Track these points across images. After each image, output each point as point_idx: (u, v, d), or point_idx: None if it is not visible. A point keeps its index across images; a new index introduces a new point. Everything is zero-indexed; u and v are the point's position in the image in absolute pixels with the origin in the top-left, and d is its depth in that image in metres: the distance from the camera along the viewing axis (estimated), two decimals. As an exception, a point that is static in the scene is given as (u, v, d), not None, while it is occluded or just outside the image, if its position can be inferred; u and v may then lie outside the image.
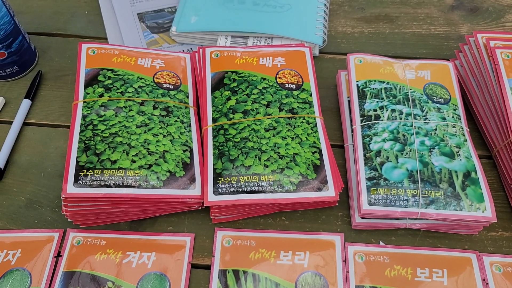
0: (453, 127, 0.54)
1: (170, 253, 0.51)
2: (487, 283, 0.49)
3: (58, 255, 0.51)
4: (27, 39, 0.66)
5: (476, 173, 0.51)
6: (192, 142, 0.55)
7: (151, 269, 0.50)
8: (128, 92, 0.56)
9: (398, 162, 0.51)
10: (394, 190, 0.50)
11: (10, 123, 0.61)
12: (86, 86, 0.55)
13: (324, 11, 0.70)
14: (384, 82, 0.57)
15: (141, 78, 0.57)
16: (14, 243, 0.52)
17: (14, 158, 0.59)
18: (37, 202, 0.55)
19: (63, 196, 0.46)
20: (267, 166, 0.51)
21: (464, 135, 0.54)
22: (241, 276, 0.49)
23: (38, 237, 0.52)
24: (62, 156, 0.59)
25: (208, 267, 0.51)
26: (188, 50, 0.69)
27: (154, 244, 0.52)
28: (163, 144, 0.52)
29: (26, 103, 0.63)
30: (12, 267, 0.50)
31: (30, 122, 0.62)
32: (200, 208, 0.54)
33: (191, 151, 0.54)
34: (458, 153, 0.52)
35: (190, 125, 0.56)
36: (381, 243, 0.52)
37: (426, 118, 0.54)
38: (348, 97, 0.61)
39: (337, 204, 0.54)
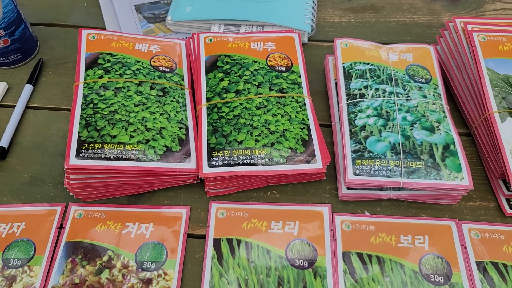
0: (434, 104, 0.58)
1: (167, 224, 0.54)
2: (465, 248, 0.52)
3: (61, 227, 0.54)
4: (29, 28, 0.69)
5: (454, 145, 0.54)
6: (187, 120, 0.58)
7: (149, 239, 0.53)
8: (126, 74, 0.59)
9: (381, 136, 0.54)
10: (378, 161, 0.53)
11: (13, 107, 0.64)
12: (86, 69, 0.58)
13: (313, 1, 0.74)
14: (368, 63, 0.61)
15: (138, 62, 0.61)
16: (18, 216, 0.54)
17: (17, 139, 0.61)
18: (39, 179, 0.58)
19: (66, 167, 0.49)
20: (258, 141, 0.54)
21: (444, 112, 0.57)
22: (234, 244, 0.52)
23: (41, 210, 0.55)
24: (63, 137, 0.62)
25: (203, 237, 0.53)
26: (183, 38, 0.72)
27: (152, 216, 0.55)
28: (159, 122, 0.55)
29: (28, 88, 0.66)
30: (17, 238, 0.53)
31: (32, 106, 0.65)
32: (195, 182, 0.56)
33: (187, 129, 0.57)
34: (438, 128, 0.55)
35: (185, 105, 0.59)
36: (366, 213, 0.55)
37: (408, 96, 0.58)
38: (335, 79, 0.64)
39: (325, 177, 0.57)
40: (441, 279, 0.49)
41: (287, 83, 0.60)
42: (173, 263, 0.51)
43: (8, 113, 0.63)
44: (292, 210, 0.55)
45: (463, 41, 0.61)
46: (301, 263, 0.50)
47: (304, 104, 0.58)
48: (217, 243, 0.52)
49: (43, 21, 0.75)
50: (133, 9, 0.76)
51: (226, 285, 0.49)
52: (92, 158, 0.51)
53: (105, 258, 0.51)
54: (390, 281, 0.49)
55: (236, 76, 0.59)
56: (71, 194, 0.54)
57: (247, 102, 0.57)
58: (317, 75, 0.68)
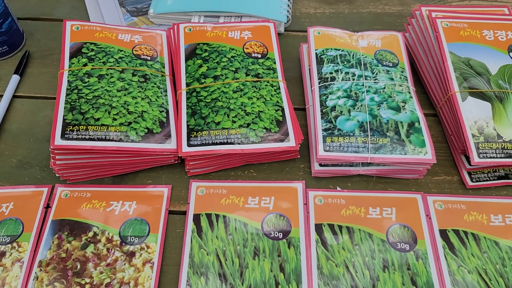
0: (400, 86, 0.61)
1: (149, 202, 0.57)
2: (429, 218, 0.55)
3: (47, 206, 0.56)
4: (16, 21, 0.71)
5: (419, 123, 0.58)
6: (168, 104, 0.61)
7: (132, 215, 0.56)
8: (110, 62, 0.62)
9: (350, 115, 0.58)
10: (347, 138, 0.56)
11: (1, 96, 0.67)
12: (71, 57, 0.61)
13: (289, -7, 0.78)
14: (339, 49, 0.64)
15: (121, 51, 0.64)
16: (7, 197, 0.57)
17: (5, 126, 0.64)
18: (27, 163, 0.60)
19: (51, 147, 0.52)
20: (234, 122, 0.57)
21: (410, 93, 0.61)
22: (213, 219, 0.55)
23: (28, 192, 0.58)
24: (49, 123, 0.64)
25: (184, 213, 0.56)
26: (165, 30, 0.75)
27: (135, 195, 0.58)
28: (141, 105, 0.58)
29: (15, 78, 0.68)
30: (6, 217, 0.55)
31: (19, 95, 0.68)
32: (176, 162, 0.59)
33: (167, 112, 0.60)
34: (403, 107, 0.59)
35: (166, 91, 0.62)
36: (338, 188, 0.59)
37: (376, 79, 0.61)
38: (309, 66, 0.68)
39: (299, 156, 0.61)
40: (406, 246, 0.53)
41: (262, 68, 0.63)
42: (155, 237, 0.54)
43: (-4, 102, 0.66)
44: (268, 186, 0.58)
45: (428, 28, 0.65)
46: (276, 234, 0.54)
47: (279, 88, 0.62)
48: (197, 218, 0.55)
49: (29, 15, 0.78)
50: (117, 3, 0.79)
51: (205, 256, 0.52)
52: (76, 139, 0.53)
53: (90, 234, 0.54)
54: (359, 248, 0.53)
55: (214, 63, 0.63)
56: (57, 175, 0.57)
57: (224, 87, 0.60)
58: (293, 63, 0.72)
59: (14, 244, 0.53)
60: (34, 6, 0.79)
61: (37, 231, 0.54)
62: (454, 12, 0.67)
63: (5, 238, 0.53)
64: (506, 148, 0.55)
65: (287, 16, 0.75)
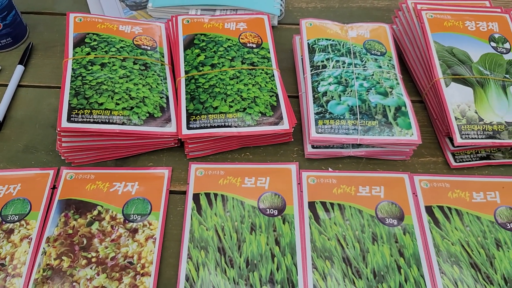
0: (388, 73, 0.65)
1: (151, 182, 0.60)
2: (416, 195, 0.59)
3: (54, 187, 0.59)
4: (19, 14, 0.74)
5: (405, 107, 0.61)
6: (167, 91, 0.64)
7: (134, 195, 0.58)
8: (111, 51, 0.65)
9: (340, 100, 0.61)
10: (338, 121, 0.60)
11: (6, 85, 0.69)
12: (74, 47, 0.64)
13: (282, -12, 0.81)
14: (330, 39, 0.68)
15: (122, 41, 0.67)
16: (14, 179, 0.60)
17: (11, 114, 0.67)
18: (33, 148, 0.63)
19: (58, 129, 0.55)
20: (231, 106, 0.61)
21: (397, 80, 0.65)
22: (212, 198, 0.58)
23: (35, 174, 0.60)
24: (53, 110, 0.67)
25: (184, 193, 0.59)
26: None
27: (137, 176, 0.60)
28: (142, 92, 0.61)
29: (19, 68, 0.71)
30: (14, 197, 0.58)
31: (24, 84, 0.70)
32: (175, 145, 0.62)
33: (167, 98, 0.63)
34: (391, 92, 0.62)
35: (165, 78, 0.65)
36: (330, 169, 0.62)
37: (365, 66, 0.65)
38: (301, 55, 0.71)
39: (292, 140, 0.64)
40: (394, 221, 0.56)
41: (257, 57, 0.66)
42: (157, 215, 0.57)
43: (1, 91, 0.68)
44: (263, 168, 0.61)
45: (414, 19, 0.69)
46: (271, 211, 0.57)
47: (273, 76, 0.65)
48: (196, 197, 0.58)
49: (32, 9, 0.81)
50: (116, -2, 0.82)
51: (205, 231, 0.55)
52: (82, 122, 0.56)
53: (95, 213, 0.57)
54: (350, 223, 0.56)
55: (211, 52, 0.66)
56: (62, 158, 0.60)
57: (221, 74, 0.64)
58: (286, 54, 0.75)
59: (22, 222, 0.56)
60: (36, 1, 0.82)
61: (44, 210, 0.57)
62: (438, 4, 0.70)
63: (13, 216, 0.56)
64: (486, 129, 0.59)
65: (280, 10, 0.78)
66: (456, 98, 0.61)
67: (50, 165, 0.62)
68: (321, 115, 0.60)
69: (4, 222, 0.56)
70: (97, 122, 0.57)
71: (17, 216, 0.56)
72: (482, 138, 0.59)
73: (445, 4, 0.70)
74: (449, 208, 0.57)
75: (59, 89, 0.69)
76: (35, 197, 0.58)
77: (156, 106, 0.61)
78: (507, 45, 0.66)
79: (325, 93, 0.62)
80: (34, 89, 0.70)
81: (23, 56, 0.72)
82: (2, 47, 0.74)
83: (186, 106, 0.61)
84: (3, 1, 0.69)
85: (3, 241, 0.54)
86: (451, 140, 0.63)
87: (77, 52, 0.63)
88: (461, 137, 0.59)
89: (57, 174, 0.61)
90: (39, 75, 0.72)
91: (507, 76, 0.63)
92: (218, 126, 0.59)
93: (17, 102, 0.68)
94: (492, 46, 0.66)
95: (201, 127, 0.59)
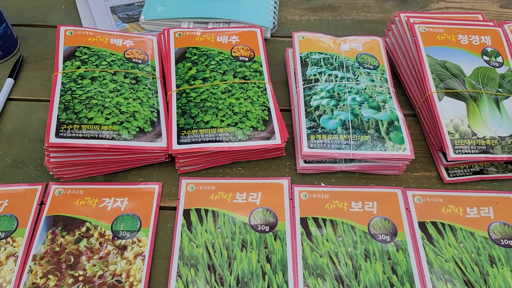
0: (380, 87, 0.64)
1: (140, 198, 0.59)
2: (409, 211, 0.58)
3: (41, 203, 0.58)
4: (10, 27, 0.74)
5: (398, 121, 0.61)
6: (158, 105, 0.63)
7: (124, 211, 0.58)
8: (102, 65, 0.64)
9: (333, 114, 0.61)
10: (330, 136, 0.59)
11: (-5, 99, 0.68)
12: (64, 61, 0.63)
13: (275, 1, 0.81)
14: (323, 53, 0.68)
15: (113, 54, 0.66)
16: (1, 194, 0.59)
17: (0, 128, 0.66)
18: (21, 162, 0.62)
19: (46, 145, 0.54)
20: (223, 121, 0.60)
21: (389, 94, 0.64)
22: (202, 213, 0.57)
23: (23, 189, 0.59)
24: (43, 124, 0.66)
25: (174, 208, 0.58)
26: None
27: (126, 192, 0.60)
28: (133, 106, 0.61)
29: (9, 81, 0.70)
30: (0, 214, 0.57)
31: (13, 97, 0.70)
32: (166, 160, 0.62)
33: (158, 112, 0.62)
34: (383, 107, 0.62)
35: (157, 92, 0.65)
36: (322, 184, 0.61)
37: (358, 80, 0.65)
38: (294, 68, 0.71)
39: (284, 154, 0.63)
40: (387, 237, 0.56)
41: (249, 71, 0.66)
42: (147, 231, 0.56)
43: (-9, 105, 0.68)
44: (255, 183, 0.61)
45: (407, 32, 0.69)
46: (263, 228, 0.56)
47: (265, 90, 0.64)
48: (186, 213, 0.57)
49: (23, 21, 0.80)
50: (109, 10, 0.81)
51: (195, 248, 0.54)
52: (70, 137, 0.56)
53: (83, 229, 0.56)
54: (342, 240, 0.55)
55: (203, 65, 0.65)
56: (51, 173, 0.59)
57: (213, 88, 0.63)
58: (279, 67, 0.75)
59: (9, 239, 0.55)
60: (27, 13, 0.81)
61: (31, 227, 0.56)
62: (431, 18, 0.70)
63: (-1, 233, 0.55)
64: (479, 144, 0.59)
65: (273, 23, 0.78)
66: (449, 112, 0.61)
67: (38, 180, 0.61)
68: (313, 129, 0.60)
69: (-10, 239, 0.54)
70: (86, 137, 0.56)
71: (3, 233, 0.55)
72: (475, 153, 0.58)
73: (437, 18, 0.70)
74: (443, 224, 0.57)
75: (48, 103, 0.69)
76: (22, 213, 0.57)
77: (146, 120, 0.60)
78: (499, 59, 0.66)
79: (317, 107, 0.62)
80: (23, 103, 0.69)
81: (13, 69, 0.72)
82: (-8, 60, 0.73)
83: (177, 121, 0.60)
84: (-7, 14, 0.68)
85: (-12, 259, 0.53)
86: (445, 154, 0.63)
87: (67, 66, 0.63)
88: (454, 152, 0.58)
89: (45, 189, 0.60)
90: (29, 89, 0.71)
91: (500, 90, 0.63)
92: (209, 141, 0.58)
93: (6, 116, 0.67)
94: (485, 60, 0.66)
95: (192, 142, 0.58)
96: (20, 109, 0.68)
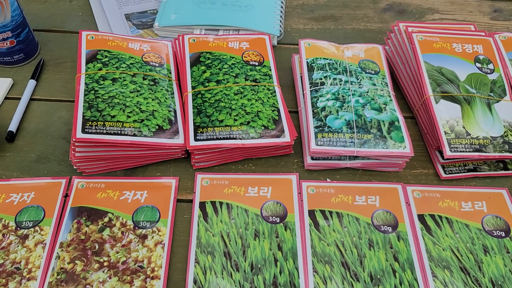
0: (381, 90, 0.69)
1: (159, 191, 0.63)
2: (409, 204, 0.63)
3: (66, 195, 0.62)
4: (32, 32, 0.78)
5: (398, 122, 0.66)
6: (175, 105, 0.67)
7: (144, 203, 0.62)
8: (122, 67, 0.68)
9: (338, 115, 0.66)
10: (336, 134, 0.64)
11: (19, 99, 0.72)
12: (87, 63, 0.68)
13: (281, 10, 0.86)
14: (327, 59, 0.73)
15: (132, 57, 0.70)
16: (28, 187, 0.62)
17: (24, 126, 0.70)
18: (45, 158, 0.66)
19: (73, 140, 0.58)
20: (236, 120, 0.64)
21: (390, 97, 0.69)
22: (217, 206, 0.61)
23: (48, 182, 0.63)
24: (65, 123, 0.70)
25: (191, 201, 0.63)
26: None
27: (145, 185, 0.64)
28: (152, 105, 0.65)
29: (32, 83, 0.74)
30: (28, 205, 0.60)
31: (35, 98, 0.74)
32: (182, 156, 0.66)
33: (175, 112, 0.66)
34: (385, 108, 0.67)
35: (173, 93, 0.69)
36: (328, 180, 0.66)
37: (360, 84, 0.69)
38: (300, 73, 0.75)
39: (293, 152, 0.68)
40: (389, 228, 0.60)
41: (259, 74, 0.71)
42: (165, 222, 0.60)
43: (15, 105, 0.72)
44: (265, 178, 0.65)
45: (405, 41, 0.74)
46: (274, 219, 0.60)
47: (275, 92, 0.69)
48: (202, 205, 0.62)
49: (42, 27, 0.84)
50: (123, 17, 0.86)
51: (211, 237, 0.58)
52: (95, 133, 0.60)
53: (106, 219, 0.60)
54: (348, 230, 0.59)
55: (216, 69, 0.70)
56: (74, 167, 0.63)
57: (226, 90, 0.68)
58: (285, 72, 0.80)
59: (37, 228, 0.58)
60: (46, 19, 0.86)
61: (57, 217, 0.59)
62: (427, 27, 0.76)
63: (28, 223, 0.59)
64: (473, 143, 0.64)
65: (280, 31, 0.83)
66: (445, 114, 0.66)
67: (61, 174, 0.64)
68: (320, 128, 0.64)
69: (19, 228, 0.58)
70: (110, 133, 0.60)
71: (32, 223, 0.59)
72: (469, 151, 0.63)
73: (434, 28, 0.76)
74: (440, 217, 0.61)
75: (69, 103, 0.73)
76: (49, 204, 0.61)
77: (165, 119, 0.64)
78: (491, 66, 0.71)
79: (323, 108, 0.66)
80: (45, 103, 0.73)
81: (35, 71, 0.76)
82: (15, 62, 0.77)
83: (194, 119, 0.64)
84: (17, 19, 0.72)
85: (18, 246, 0.57)
86: (441, 153, 0.67)
87: (89, 68, 0.67)
88: (450, 150, 0.63)
89: (69, 183, 0.63)
90: (50, 89, 0.75)
91: (491, 94, 0.68)
92: (224, 138, 0.63)
93: (30, 114, 0.71)
94: (477, 67, 0.71)
95: (207, 139, 0.63)
96: (42, 108, 0.72)
